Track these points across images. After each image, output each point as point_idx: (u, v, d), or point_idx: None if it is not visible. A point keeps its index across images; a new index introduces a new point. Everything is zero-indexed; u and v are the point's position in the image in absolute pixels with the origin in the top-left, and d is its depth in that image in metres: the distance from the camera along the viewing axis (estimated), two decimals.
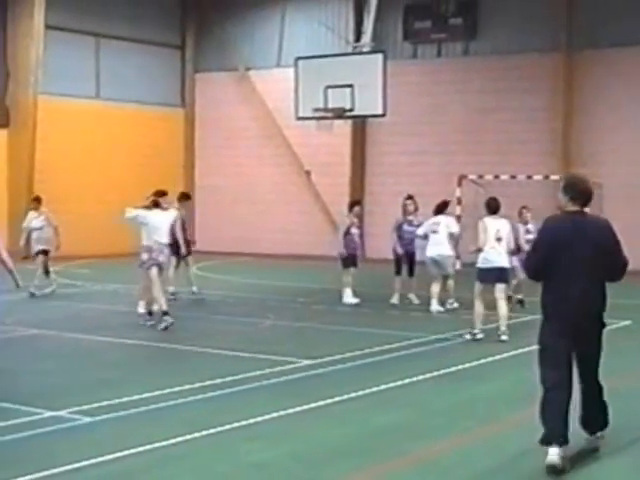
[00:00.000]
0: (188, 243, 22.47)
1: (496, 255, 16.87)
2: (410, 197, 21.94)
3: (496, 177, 32.01)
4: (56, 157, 34.18)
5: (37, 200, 24.10)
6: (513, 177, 31.71)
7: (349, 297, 21.30)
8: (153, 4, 38.31)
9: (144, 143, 37.59)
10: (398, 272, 21.51)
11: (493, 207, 17.53)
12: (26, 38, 33.64)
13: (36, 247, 23.20)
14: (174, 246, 20.82)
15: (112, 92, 37.26)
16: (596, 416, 9.62)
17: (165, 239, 18.59)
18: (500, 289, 17.04)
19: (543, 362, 9.29)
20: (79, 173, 34.52)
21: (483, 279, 17.01)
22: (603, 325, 9.38)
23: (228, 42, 38.91)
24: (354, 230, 21.76)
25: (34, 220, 23.53)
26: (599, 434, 9.71)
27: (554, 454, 8.95)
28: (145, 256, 18.27)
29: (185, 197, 23.72)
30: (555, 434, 9.05)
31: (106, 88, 37.35)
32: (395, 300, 21.26)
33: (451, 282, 20.64)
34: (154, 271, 18.22)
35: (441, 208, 20.72)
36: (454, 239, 20.55)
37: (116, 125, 36.74)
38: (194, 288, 22.91)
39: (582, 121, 32.64)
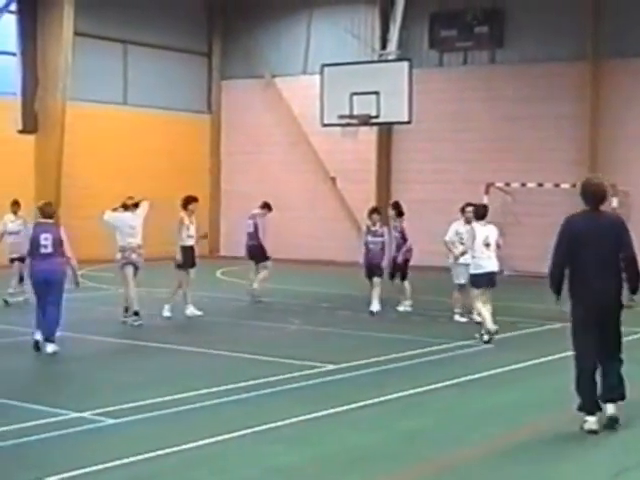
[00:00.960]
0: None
1: (486, 260, 17.58)
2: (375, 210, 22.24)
3: (523, 185, 32.00)
4: (83, 162, 34.28)
5: (16, 204, 23.12)
6: (540, 185, 31.65)
7: (373, 305, 21.06)
8: (180, 12, 38.40)
9: (171, 149, 37.66)
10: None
11: (481, 213, 18.09)
12: (55, 45, 33.73)
13: (12, 253, 22.23)
14: (259, 250, 22.70)
15: (139, 98, 37.39)
16: (617, 386, 10.80)
17: (137, 239, 19.13)
18: (489, 292, 17.75)
19: (574, 336, 10.83)
20: (106, 178, 34.54)
21: (478, 284, 17.62)
22: (621, 306, 10.80)
23: (254, 49, 38.98)
24: (369, 238, 21.46)
25: (10, 224, 22.63)
26: (620, 403, 10.87)
27: (592, 422, 10.56)
28: (119, 255, 19.00)
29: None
30: (591, 405, 10.63)
31: (133, 94, 37.49)
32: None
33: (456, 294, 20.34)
34: (128, 270, 19.04)
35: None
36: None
37: (143, 131, 36.88)
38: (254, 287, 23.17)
39: (609, 129, 32.48)
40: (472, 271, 17.70)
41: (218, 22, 40.03)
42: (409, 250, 21.49)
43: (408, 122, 27.32)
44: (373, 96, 26.60)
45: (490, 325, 17.14)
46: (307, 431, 10.73)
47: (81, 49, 34.30)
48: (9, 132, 33.49)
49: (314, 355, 15.55)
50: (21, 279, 21.94)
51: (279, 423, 10.81)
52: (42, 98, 34.19)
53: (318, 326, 19.42)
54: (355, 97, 26.81)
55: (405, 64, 27.56)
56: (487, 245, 17.55)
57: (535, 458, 9.71)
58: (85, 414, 11.15)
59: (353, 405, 11.87)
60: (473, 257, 17.68)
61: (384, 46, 31.91)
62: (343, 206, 36.89)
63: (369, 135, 33.31)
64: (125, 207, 19.54)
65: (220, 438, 10.09)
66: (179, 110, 38.53)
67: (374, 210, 22.05)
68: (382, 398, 12.35)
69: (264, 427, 10.60)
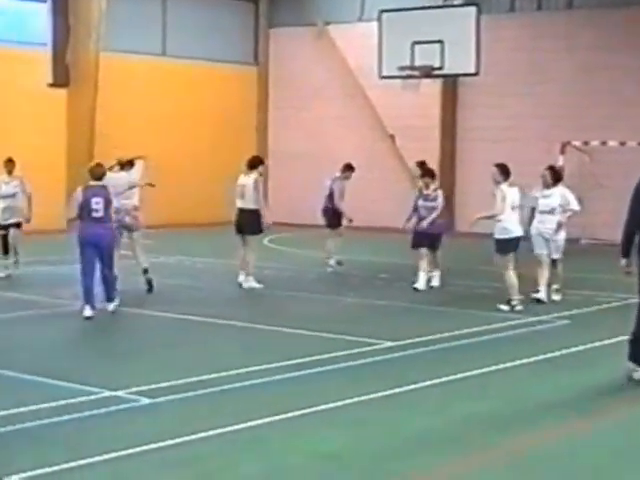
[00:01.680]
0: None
1: (515, 224, 17.89)
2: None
3: (603, 144, 31.66)
4: (118, 118, 34.39)
5: (10, 162, 22.16)
6: (622, 144, 31.32)
7: (419, 283, 20.68)
8: None
9: (213, 104, 37.68)
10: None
11: (509, 173, 18.09)
12: None
13: (6, 219, 21.52)
14: (333, 215, 23.05)
15: (179, 49, 37.43)
16: None
17: (132, 201, 19.17)
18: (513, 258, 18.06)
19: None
20: (142, 136, 34.56)
21: (505, 250, 17.89)
22: None
23: None
24: (420, 202, 21.00)
25: (4, 186, 21.84)
26: None
27: None
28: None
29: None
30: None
31: (173, 44, 37.53)
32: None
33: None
34: (124, 233, 19.27)
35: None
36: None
37: (183, 84, 36.92)
38: (331, 261, 23.26)
39: None
40: (499, 236, 17.82)
41: None
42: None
43: (475, 74, 27.16)
44: (437, 45, 26.48)
45: (514, 297, 17.71)
46: (361, 414, 10.70)
47: None
48: (39, 86, 33.67)
49: (371, 331, 15.49)
50: (6, 251, 21.62)
51: (331, 405, 10.80)
52: (74, 49, 34.31)
53: (375, 299, 19.40)
54: (417, 46, 26.73)
55: (472, 9, 27.39)
56: (514, 208, 17.82)
57: (611, 446, 9.65)
58: (120, 393, 11.23)
59: (412, 386, 11.85)
60: (499, 221, 17.77)
61: None
62: (403, 167, 36.69)
63: (432, 88, 33.15)
64: (121, 166, 19.45)
65: (266, 420, 10.10)
66: (222, 61, 38.55)
67: (427, 171, 21.85)
68: (445, 378, 12.32)
69: (314, 409, 10.60)
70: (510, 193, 17.80)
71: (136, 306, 17.78)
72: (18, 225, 21.52)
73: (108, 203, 16.57)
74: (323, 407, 10.71)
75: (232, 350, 14.33)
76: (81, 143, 33.82)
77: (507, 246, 17.82)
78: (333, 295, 19.61)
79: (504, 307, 17.70)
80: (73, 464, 8.67)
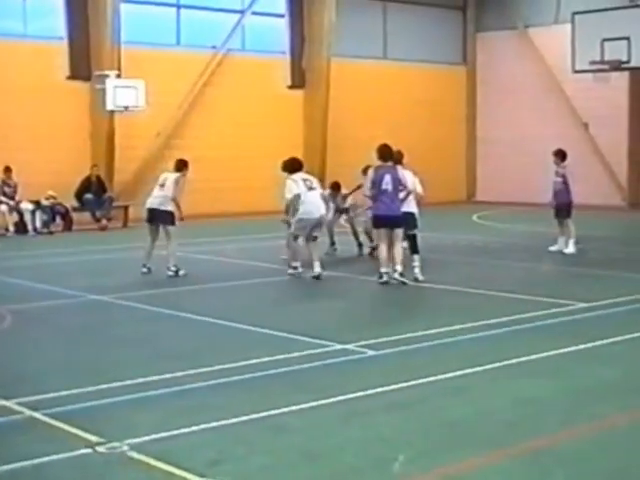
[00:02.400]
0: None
1: None
2: None
3: None
4: (347, 113, 34.65)
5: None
6: None
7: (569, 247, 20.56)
8: None
9: (428, 99, 37.62)
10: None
11: None
12: (320, 5, 34.18)
13: None
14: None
15: (398, 52, 37.43)
16: None
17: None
18: None
19: None
20: (368, 127, 34.75)
21: None
22: None
23: (508, 2, 38.32)
24: (556, 179, 20.98)
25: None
26: None
27: None
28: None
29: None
30: None
31: (393, 49, 37.56)
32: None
33: None
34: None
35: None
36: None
37: (402, 83, 36.90)
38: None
39: None
40: None
41: None
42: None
43: None
44: (624, 41, 25.80)
45: None
46: (557, 365, 10.52)
47: (344, 8, 34.60)
48: (280, 88, 34.26)
49: (566, 294, 15.18)
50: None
51: (529, 357, 10.66)
52: (309, 55, 34.74)
53: (569, 266, 19.09)
54: (606, 43, 26.13)
55: None
56: None
57: None
58: (349, 346, 11.32)
59: (604, 341, 11.56)
60: None
61: None
62: (595, 151, 35.92)
63: (621, 80, 32.35)
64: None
65: (474, 370, 10.06)
66: (436, 62, 38.41)
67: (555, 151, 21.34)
68: (635, 334, 11.99)
69: (515, 361, 10.48)
70: None
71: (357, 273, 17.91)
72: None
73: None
74: (524, 359, 10.57)
75: (443, 310, 14.31)
76: (315, 135, 34.28)
77: None
78: (532, 263, 19.32)
79: None
80: (314, 404, 8.83)
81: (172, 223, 17.86)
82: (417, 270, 16.62)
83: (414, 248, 16.87)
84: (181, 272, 17.64)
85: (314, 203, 17.26)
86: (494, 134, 38.79)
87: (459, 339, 11.80)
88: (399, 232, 16.39)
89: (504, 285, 16.26)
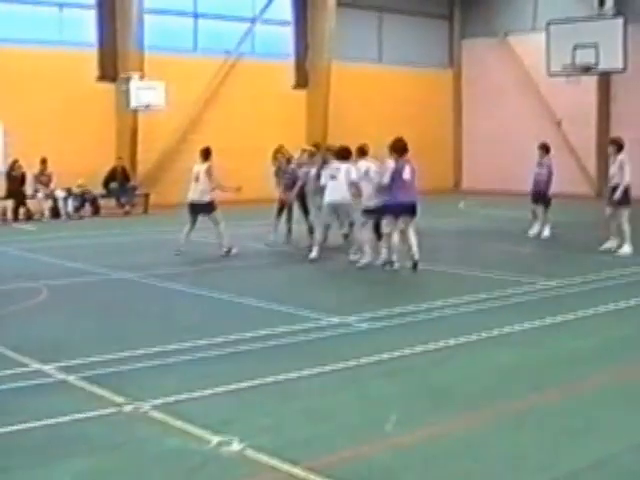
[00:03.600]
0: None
1: None
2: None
3: None
4: (346, 111, 34.61)
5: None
6: None
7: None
8: None
9: (418, 99, 37.60)
10: None
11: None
12: (322, 14, 34.17)
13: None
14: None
15: (392, 57, 37.40)
16: None
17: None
18: None
19: None
20: (365, 124, 34.72)
21: None
22: None
23: (490, 11, 38.27)
24: (540, 170, 21.13)
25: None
26: None
27: None
28: None
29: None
30: None
31: (387, 53, 37.53)
32: None
33: None
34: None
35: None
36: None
37: (395, 84, 36.83)
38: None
39: None
40: None
41: None
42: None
43: (623, 69, 26.37)
44: (593, 48, 25.84)
45: None
46: (531, 337, 10.56)
47: (343, 17, 34.63)
48: (285, 88, 34.26)
49: (541, 272, 15.19)
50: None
51: (506, 329, 10.72)
52: (312, 59, 34.75)
53: (545, 249, 19.07)
54: (577, 49, 26.13)
55: (620, 20, 26.65)
56: None
57: None
58: (347, 319, 11.35)
59: (574, 314, 11.61)
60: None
61: (602, 4, 31.10)
62: (567, 146, 35.87)
63: (590, 83, 32.37)
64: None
65: (454, 342, 10.08)
66: (425, 66, 38.39)
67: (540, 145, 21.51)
68: (601, 308, 12.05)
69: (493, 333, 10.53)
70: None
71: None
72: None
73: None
74: (499, 331, 10.64)
75: (433, 289, 14.32)
76: (317, 129, 34.21)
77: None
78: (514, 247, 19.34)
79: None
80: (315, 370, 8.90)
81: (213, 210, 17.81)
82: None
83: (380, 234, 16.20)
84: (233, 250, 17.64)
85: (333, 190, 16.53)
86: (478, 130, 38.80)
87: (445, 314, 11.83)
88: (414, 219, 15.76)
89: (486, 265, 16.23)
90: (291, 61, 34.84)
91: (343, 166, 16.53)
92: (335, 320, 11.32)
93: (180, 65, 30.68)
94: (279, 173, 19.74)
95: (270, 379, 8.54)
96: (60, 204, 26.93)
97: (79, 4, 29.88)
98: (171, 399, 7.91)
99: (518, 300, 12.85)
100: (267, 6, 33.88)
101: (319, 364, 9.05)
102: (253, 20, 33.57)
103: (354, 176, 16.32)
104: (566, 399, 8.10)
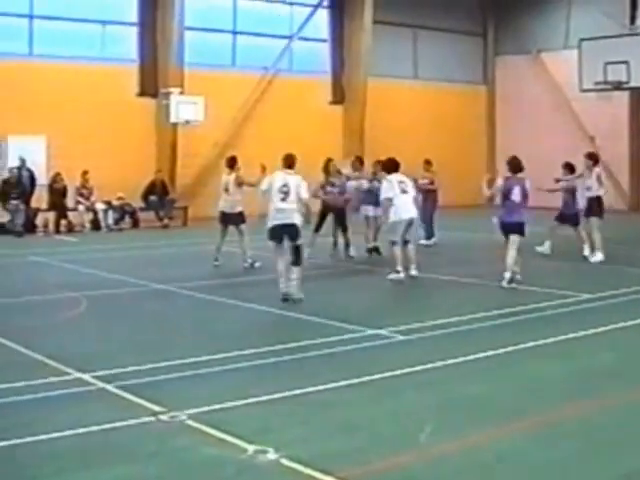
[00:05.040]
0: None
1: None
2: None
3: None
4: (381, 128, 34.56)
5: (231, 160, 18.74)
6: None
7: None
8: (459, 0, 37.95)
9: (453, 114, 37.45)
10: None
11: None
12: (358, 32, 34.22)
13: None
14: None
15: (426, 73, 37.32)
16: None
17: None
18: None
19: None
20: (401, 139, 34.70)
21: None
22: None
23: (523, 28, 38.08)
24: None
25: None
26: None
27: None
28: None
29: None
30: None
31: (422, 70, 37.46)
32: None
33: None
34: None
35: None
36: None
37: (431, 100, 36.74)
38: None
39: None
40: None
41: (491, 7, 39.32)
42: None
43: None
44: (624, 65, 25.73)
45: None
46: (563, 349, 10.44)
47: (379, 34, 34.63)
48: (322, 104, 34.28)
49: (574, 285, 15.06)
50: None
51: (540, 342, 10.57)
52: (348, 75, 34.76)
53: (578, 262, 18.83)
54: (608, 66, 26.02)
55: None
56: None
57: None
58: (381, 331, 11.28)
59: (606, 328, 11.45)
60: None
61: (633, 22, 30.84)
62: (600, 161, 35.54)
63: (622, 99, 32.16)
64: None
65: (489, 353, 9.99)
66: (460, 82, 38.24)
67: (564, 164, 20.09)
68: (635, 322, 11.87)
69: (526, 345, 10.40)
70: None
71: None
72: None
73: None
74: (534, 343, 10.49)
75: (465, 301, 14.17)
76: (353, 144, 34.17)
77: None
78: (545, 259, 19.14)
79: None
80: (349, 382, 8.81)
81: (243, 222, 17.76)
82: (294, 284, 13.77)
83: (297, 260, 13.91)
84: (257, 264, 17.47)
85: (405, 206, 15.96)
86: (511, 145, 38.33)
87: (478, 326, 11.73)
88: (516, 238, 15.27)
89: (523, 278, 16.03)
90: (328, 77, 34.87)
91: (407, 180, 16.47)
92: (369, 332, 11.25)
93: (219, 81, 30.77)
94: (325, 186, 19.64)
95: (305, 390, 8.49)
96: (100, 216, 27.05)
97: (121, 21, 30.14)
98: (207, 408, 7.87)
99: (553, 312, 12.73)
100: (305, 23, 33.96)
101: (353, 375, 8.98)
102: (291, 37, 33.65)
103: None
104: (600, 412, 7.98)
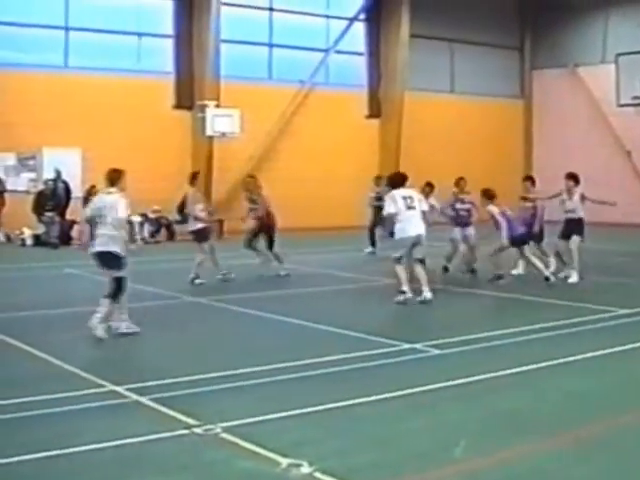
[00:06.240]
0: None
1: None
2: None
3: None
4: (418, 141, 34.57)
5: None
6: None
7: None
8: (496, 14, 37.86)
9: (489, 129, 37.43)
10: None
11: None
12: (394, 45, 34.31)
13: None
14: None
15: (463, 87, 37.32)
16: None
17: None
18: None
19: None
20: (437, 154, 34.76)
21: None
22: None
23: (559, 43, 37.98)
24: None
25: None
26: None
27: None
28: None
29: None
30: None
31: (459, 84, 37.46)
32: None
33: None
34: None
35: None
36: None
37: (466, 114, 36.68)
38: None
39: None
40: None
41: (528, 21, 39.27)
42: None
43: None
44: None
45: None
46: (601, 364, 10.37)
47: (415, 48, 34.70)
48: (359, 117, 34.43)
49: (610, 301, 14.85)
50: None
51: (578, 357, 10.49)
52: (384, 89, 34.83)
53: (611, 277, 18.72)
54: None
55: None
56: None
57: None
58: (416, 345, 11.25)
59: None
60: None
61: None
62: (637, 175, 35.44)
63: None
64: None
65: (525, 368, 9.91)
66: (496, 96, 38.18)
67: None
68: None
69: (564, 360, 10.31)
70: None
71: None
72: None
73: None
74: (565, 359, 10.39)
75: (500, 315, 14.16)
76: (390, 159, 34.22)
77: None
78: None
79: None
80: (385, 395, 8.77)
81: (201, 240, 17.66)
82: (123, 325, 12.16)
83: (112, 293, 12.09)
84: (198, 281, 17.09)
85: (411, 222, 15.05)
86: (547, 160, 38.34)
87: (511, 341, 11.66)
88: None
89: (556, 293, 15.98)
90: (364, 91, 34.93)
91: (415, 195, 15.67)
92: (405, 346, 11.22)
93: (255, 94, 30.88)
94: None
95: (340, 403, 8.46)
96: (136, 229, 27.17)
97: (157, 34, 30.36)
98: (241, 421, 7.86)
99: (591, 327, 12.65)
100: (341, 36, 34.05)
101: (389, 389, 8.95)
102: (327, 50, 33.75)
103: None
104: (637, 427, 7.90)
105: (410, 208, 15.14)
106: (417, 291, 15.00)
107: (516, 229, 17.43)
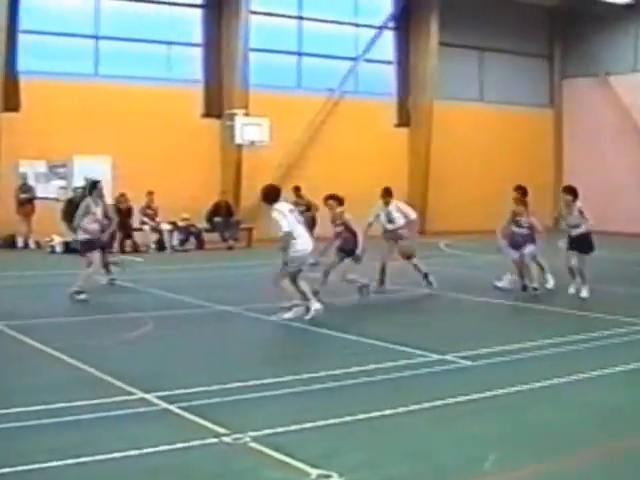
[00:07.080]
0: None
1: None
2: None
3: None
4: (447, 150, 34.53)
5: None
6: None
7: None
8: (526, 22, 37.68)
9: (519, 138, 37.29)
10: None
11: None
12: (424, 54, 34.31)
13: None
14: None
15: (493, 96, 37.23)
16: None
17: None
18: None
19: None
20: (465, 163, 34.72)
21: None
22: None
23: (590, 51, 37.78)
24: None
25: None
26: None
27: None
28: None
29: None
30: None
31: (488, 92, 37.38)
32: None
33: None
34: None
35: None
36: None
37: (496, 123, 36.61)
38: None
39: None
40: None
41: (558, 29, 39.12)
42: None
43: None
44: None
45: None
46: (631, 377, 10.29)
47: (445, 56, 34.68)
48: (388, 126, 34.41)
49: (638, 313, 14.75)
50: None
51: (608, 370, 10.44)
52: (414, 97, 34.82)
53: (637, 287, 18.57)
54: None
55: None
56: None
57: None
58: (447, 356, 11.23)
59: None
60: None
61: None
62: None
63: None
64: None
65: (555, 381, 9.85)
66: (526, 105, 38.04)
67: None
68: None
69: (596, 373, 10.27)
70: None
71: (462, 292, 17.78)
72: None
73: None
74: (603, 372, 10.37)
75: (529, 327, 14.09)
76: (419, 168, 34.25)
77: None
78: (610, 285, 18.86)
79: None
80: (413, 407, 8.77)
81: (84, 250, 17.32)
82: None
83: None
84: (82, 296, 16.22)
85: (305, 236, 14.25)
86: (578, 169, 38.15)
87: (541, 353, 11.59)
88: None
89: (588, 305, 15.88)
90: (393, 100, 34.94)
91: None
92: (433, 356, 11.21)
93: (284, 102, 30.98)
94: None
95: (369, 415, 8.45)
96: (165, 237, 27.33)
97: (186, 42, 30.54)
98: (271, 431, 7.88)
99: (619, 340, 12.54)
100: (370, 45, 34.10)
101: (419, 400, 8.93)
102: (356, 59, 33.80)
103: None
104: None
105: (299, 223, 14.39)
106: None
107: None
